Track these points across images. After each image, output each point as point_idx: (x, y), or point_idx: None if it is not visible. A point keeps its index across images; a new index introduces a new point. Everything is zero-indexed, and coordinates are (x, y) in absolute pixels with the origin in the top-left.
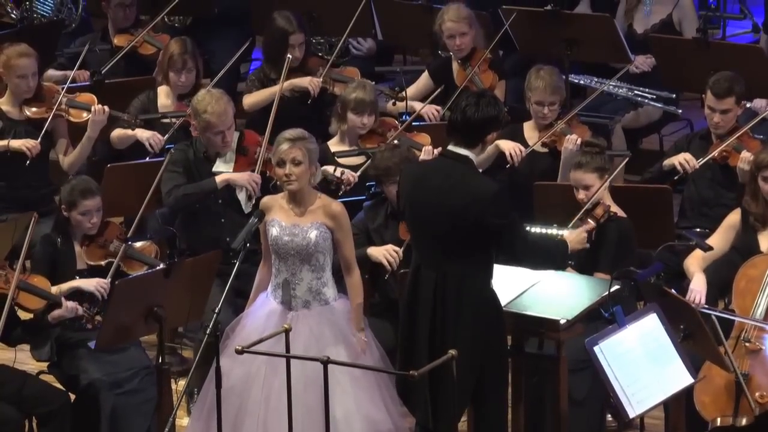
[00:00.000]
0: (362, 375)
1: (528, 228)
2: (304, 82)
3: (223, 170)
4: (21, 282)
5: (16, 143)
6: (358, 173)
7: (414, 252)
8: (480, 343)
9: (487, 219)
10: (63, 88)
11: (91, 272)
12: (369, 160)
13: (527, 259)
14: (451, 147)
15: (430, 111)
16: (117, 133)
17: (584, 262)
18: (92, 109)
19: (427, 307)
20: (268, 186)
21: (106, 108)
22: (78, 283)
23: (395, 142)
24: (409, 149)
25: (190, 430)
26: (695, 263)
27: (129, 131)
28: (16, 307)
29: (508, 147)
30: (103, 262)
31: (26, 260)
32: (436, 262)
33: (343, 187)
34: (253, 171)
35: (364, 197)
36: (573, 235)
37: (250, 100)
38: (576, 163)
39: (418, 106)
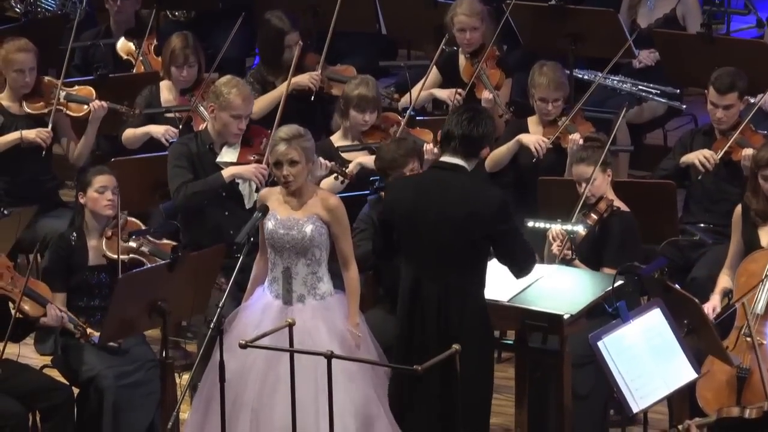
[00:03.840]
0: (357, 370)
1: (530, 224)
2: (304, 79)
3: (228, 159)
4: (27, 289)
5: (29, 134)
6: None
7: (409, 265)
8: (480, 351)
9: (494, 227)
10: (60, 82)
11: (109, 267)
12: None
13: (524, 262)
14: (446, 158)
15: (453, 96)
16: (128, 134)
17: (588, 257)
18: (91, 106)
19: (431, 320)
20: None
21: (105, 104)
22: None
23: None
24: (415, 142)
25: (189, 423)
26: (722, 277)
27: (140, 129)
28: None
29: (532, 141)
30: (125, 257)
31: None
32: (438, 274)
33: (346, 179)
34: (258, 161)
35: (368, 192)
36: None
37: (254, 106)
38: (577, 157)
39: (438, 92)
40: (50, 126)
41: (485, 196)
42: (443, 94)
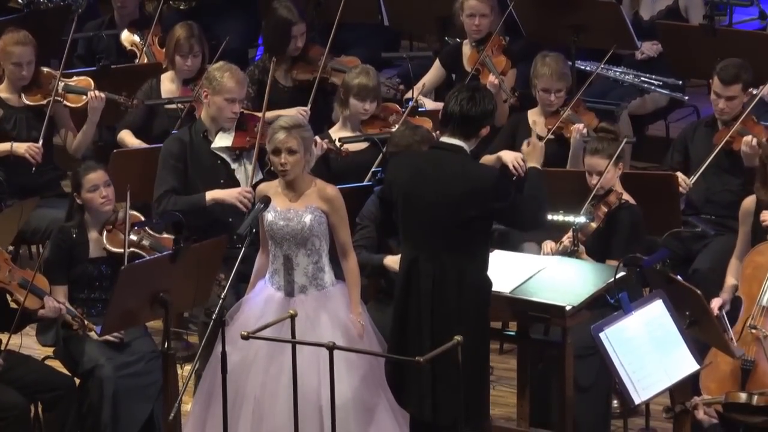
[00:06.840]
0: (359, 361)
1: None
2: (291, 114)
3: (223, 144)
4: (31, 286)
5: (20, 149)
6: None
7: (407, 244)
8: (477, 332)
9: (492, 204)
10: (59, 74)
11: (110, 259)
12: (378, 146)
13: (535, 221)
14: (445, 138)
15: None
16: (121, 138)
17: (596, 249)
18: (89, 96)
19: (426, 299)
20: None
21: (102, 95)
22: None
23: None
24: (428, 130)
25: (192, 415)
26: (729, 273)
27: (132, 141)
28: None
29: (510, 159)
30: (127, 250)
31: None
32: (435, 253)
33: (340, 156)
34: (252, 145)
35: (370, 183)
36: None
37: None
38: (592, 148)
39: (429, 103)
40: (46, 119)
41: (480, 174)
42: (432, 105)
